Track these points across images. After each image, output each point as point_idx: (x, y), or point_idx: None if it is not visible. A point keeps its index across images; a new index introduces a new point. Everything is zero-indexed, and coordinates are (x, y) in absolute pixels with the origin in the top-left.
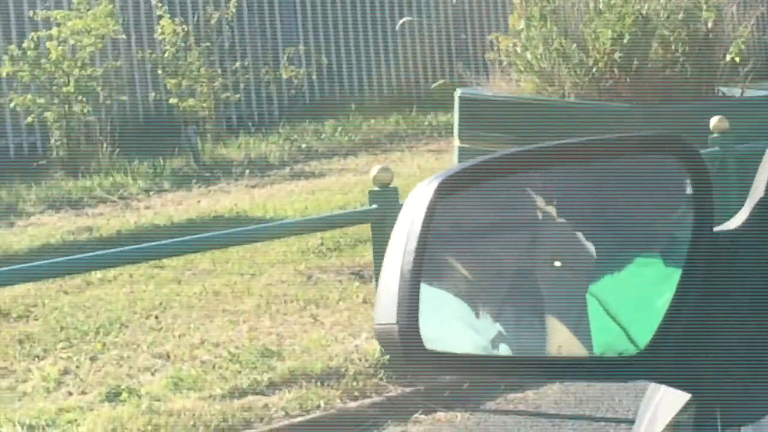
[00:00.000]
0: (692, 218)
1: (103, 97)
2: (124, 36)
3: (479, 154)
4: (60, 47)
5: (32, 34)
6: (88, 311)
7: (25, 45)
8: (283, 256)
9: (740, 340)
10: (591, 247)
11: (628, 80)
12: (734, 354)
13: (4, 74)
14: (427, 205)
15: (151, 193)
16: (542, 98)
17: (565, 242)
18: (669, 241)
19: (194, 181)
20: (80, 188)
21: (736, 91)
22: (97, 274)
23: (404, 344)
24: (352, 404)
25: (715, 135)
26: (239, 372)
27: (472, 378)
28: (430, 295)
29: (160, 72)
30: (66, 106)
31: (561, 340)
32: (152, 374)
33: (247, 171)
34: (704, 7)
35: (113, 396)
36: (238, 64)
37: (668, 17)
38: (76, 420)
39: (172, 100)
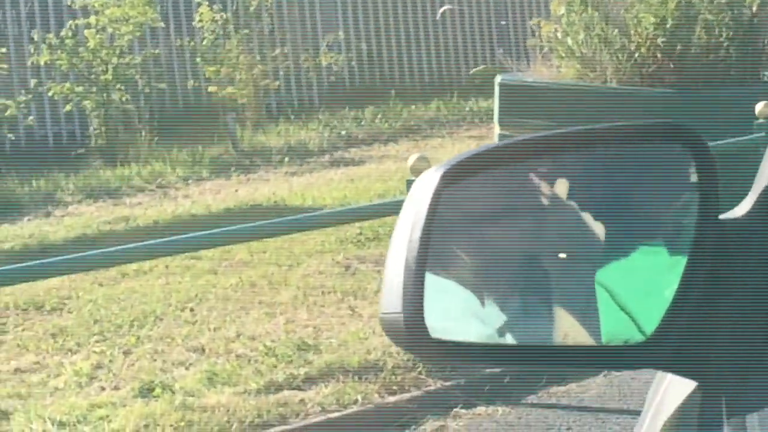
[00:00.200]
0: (698, 206)
1: (142, 85)
2: (162, 24)
3: None
4: (98, 35)
5: (70, 22)
6: (122, 303)
7: (63, 33)
8: (320, 246)
9: (745, 328)
10: (597, 236)
11: (671, 65)
12: (739, 342)
13: (42, 63)
14: (432, 194)
15: (190, 181)
16: (583, 84)
17: (572, 230)
18: (675, 229)
19: (233, 169)
20: (118, 177)
21: None
22: (133, 266)
23: (409, 333)
24: (391, 399)
25: (761, 120)
26: (275, 366)
27: (477, 366)
28: (435, 284)
29: (198, 60)
30: (104, 94)
31: (567, 328)
32: (186, 369)
33: (287, 158)
34: None
35: (146, 391)
36: (277, 51)
37: (712, 1)
38: (107, 416)
39: (211, 88)
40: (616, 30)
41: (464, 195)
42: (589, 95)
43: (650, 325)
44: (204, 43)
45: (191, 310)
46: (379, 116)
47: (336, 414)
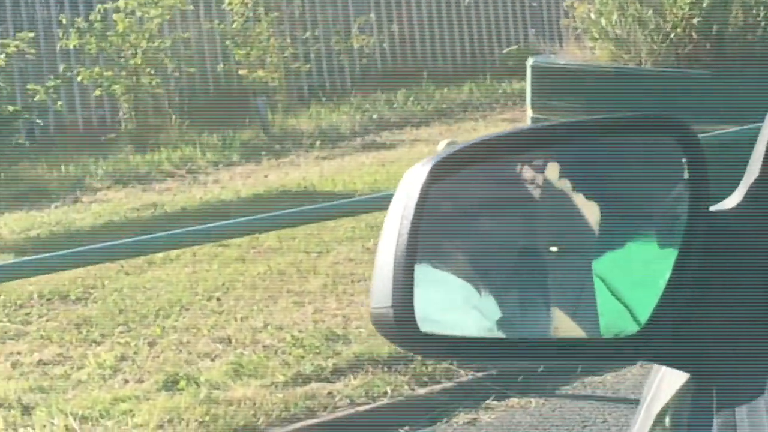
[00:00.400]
0: (688, 198)
1: (171, 69)
2: (191, 7)
3: None
4: (127, 19)
5: (99, 6)
6: (148, 293)
7: (91, 17)
8: (351, 232)
9: (736, 321)
10: (589, 228)
11: (707, 46)
12: (730, 334)
13: (71, 47)
14: (421, 187)
15: (220, 166)
16: (618, 66)
17: (563, 223)
18: (666, 221)
19: (263, 153)
20: (148, 162)
21: None
22: (159, 253)
23: (399, 327)
24: (421, 391)
25: None
26: (302, 357)
27: (468, 361)
28: (425, 278)
29: (228, 43)
30: (134, 78)
31: (558, 322)
32: (212, 360)
33: (318, 142)
34: None
35: (171, 384)
36: (308, 33)
37: None
38: (131, 410)
39: (242, 71)
40: (651, 10)
41: (454, 189)
42: (624, 77)
43: (643, 316)
44: (234, 25)
45: (218, 299)
46: (411, 99)
47: (365, 407)
